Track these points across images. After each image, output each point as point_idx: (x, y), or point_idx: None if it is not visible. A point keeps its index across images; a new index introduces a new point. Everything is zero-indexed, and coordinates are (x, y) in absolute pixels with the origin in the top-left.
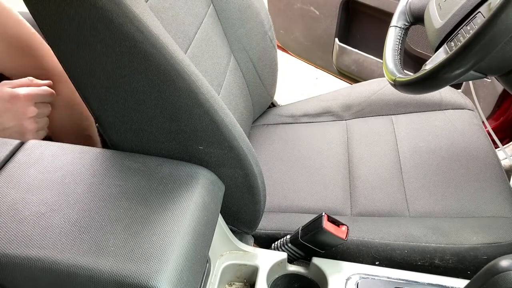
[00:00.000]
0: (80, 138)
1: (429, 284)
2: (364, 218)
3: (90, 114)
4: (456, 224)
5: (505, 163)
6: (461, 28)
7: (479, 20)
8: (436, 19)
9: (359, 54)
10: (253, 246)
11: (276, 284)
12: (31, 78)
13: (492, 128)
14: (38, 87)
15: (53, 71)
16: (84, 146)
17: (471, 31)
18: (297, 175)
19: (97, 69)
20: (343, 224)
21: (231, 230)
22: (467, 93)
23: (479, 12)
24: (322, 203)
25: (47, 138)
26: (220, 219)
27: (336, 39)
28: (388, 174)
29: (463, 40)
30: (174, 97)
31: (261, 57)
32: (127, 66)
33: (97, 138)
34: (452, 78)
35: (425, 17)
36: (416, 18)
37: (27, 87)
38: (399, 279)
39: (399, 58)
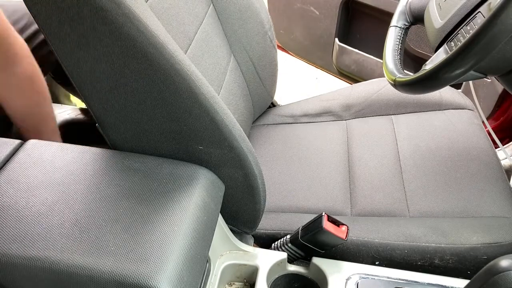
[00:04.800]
0: (38, 115)
1: (429, 284)
2: (364, 218)
3: (46, 92)
4: (456, 224)
5: (505, 163)
6: (461, 28)
7: (479, 20)
8: (436, 19)
9: (359, 54)
10: (253, 246)
11: (276, 284)
12: None
13: (492, 128)
14: None
15: (16, 52)
16: (84, 146)
17: (471, 31)
18: (297, 175)
19: (97, 69)
20: (343, 224)
21: (231, 230)
22: (467, 93)
23: (479, 12)
24: (322, 203)
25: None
26: (220, 219)
27: (336, 39)
28: (388, 174)
29: (463, 40)
30: (174, 97)
31: (261, 57)
32: (127, 66)
33: (53, 115)
34: (452, 78)
35: (425, 17)
36: (416, 18)
37: None
38: (399, 279)
39: (399, 58)
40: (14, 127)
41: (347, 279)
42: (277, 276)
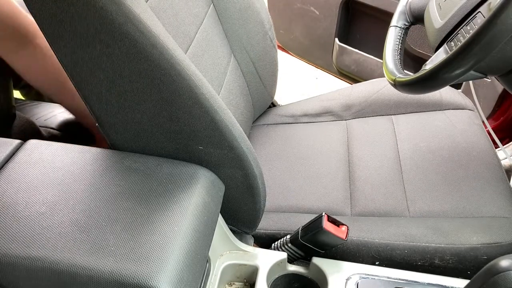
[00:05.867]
0: (59, 87)
1: (429, 284)
2: (364, 218)
3: None
4: (456, 224)
5: (505, 163)
6: (461, 28)
7: (479, 20)
8: (436, 19)
9: (359, 54)
10: (253, 246)
11: (276, 284)
12: None
13: (492, 128)
14: None
15: (29, 28)
16: (84, 146)
17: (471, 31)
18: (297, 175)
19: (97, 69)
20: (343, 224)
21: (231, 230)
22: (467, 93)
23: (479, 12)
24: (322, 203)
25: None
26: (220, 219)
27: (336, 39)
28: (388, 174)
29: (463, 40)
30: (174, 97)
31: (261, 57)
32: (127, 66)
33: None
34: (452, 78)
35: (425, 17)
36: (416, 18)
37: None
38: (399, 279)
39: (399, 58)
40: (14, 127)
41: (347, 279)
42: (277, 276)
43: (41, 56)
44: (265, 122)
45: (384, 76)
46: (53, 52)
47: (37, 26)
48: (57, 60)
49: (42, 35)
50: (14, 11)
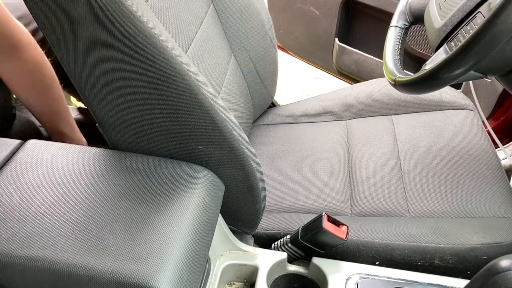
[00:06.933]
0: (48, 99)
1: (429, 284)
2: (364, 218)
3: (54, 75)
4: (456, 224)
5: (505, 163)
6: (461, 28)
7: (479, 20)
8: (436, 19)
9: (359, 54)
10: (253, 246)
11: (276, 284)
12: None
13: (492, 128)
14: None
15: (20, 39)
16: (84, 146)
17: (471, 31)
18: (297, 175)
19: (97, 69)
20: (343, 224)
21: (231, 230)
22: (467, 93)
23: (479, 12)
24: (322, 203)
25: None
26: (220, 219)
27: (336, 39)
28: (388, 174)
29: (463, 40)
30: (174, 97)
31: (261, 57)
32: (127, 66)
33: (63, 96)
34: (452, 78)
35: (425, 17)
36: (416, 18)
37: None
38: (399, 279)
39: (399, 58)
40: (14, 127)
41: (347, 279)
42: (277, 276)
43: (27, 70)
44: (265, 122)
45: (384, 76)
46: (38, 69)
47: (28, 38)
48: (43, 76)
49: (32, 48)
50: (8, 18)
